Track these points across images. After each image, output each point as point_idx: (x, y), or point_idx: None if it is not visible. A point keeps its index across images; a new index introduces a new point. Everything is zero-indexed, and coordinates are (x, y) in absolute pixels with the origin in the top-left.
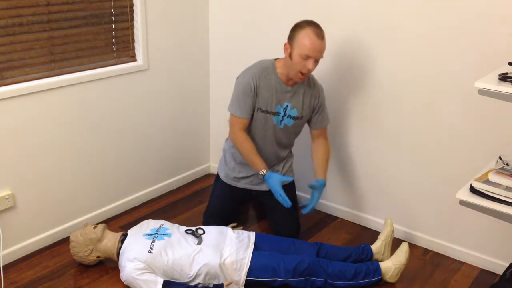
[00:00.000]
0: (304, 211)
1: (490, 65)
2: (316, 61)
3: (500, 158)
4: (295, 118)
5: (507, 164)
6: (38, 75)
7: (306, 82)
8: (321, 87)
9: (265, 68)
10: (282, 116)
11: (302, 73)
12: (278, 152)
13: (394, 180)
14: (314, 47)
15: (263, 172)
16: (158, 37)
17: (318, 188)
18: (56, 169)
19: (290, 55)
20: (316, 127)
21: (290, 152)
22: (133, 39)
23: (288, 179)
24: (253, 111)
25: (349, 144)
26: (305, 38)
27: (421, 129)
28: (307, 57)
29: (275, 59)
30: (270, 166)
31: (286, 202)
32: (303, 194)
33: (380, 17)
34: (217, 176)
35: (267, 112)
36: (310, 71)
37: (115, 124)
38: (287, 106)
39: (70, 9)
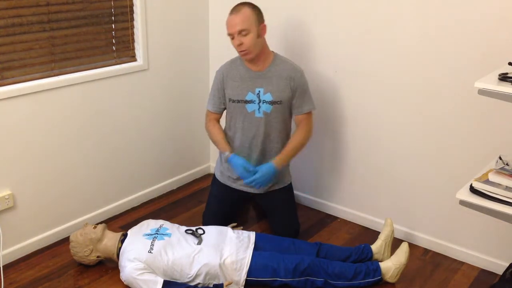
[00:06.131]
0: (244, 181)
1: (490, 65)
2: (242, 34)
3: (500, 158)
4: (272, 103)
5: (507, 164)
6: (38, 75)
7: (279, 63)
8: (299, 69)
9: (233, 61)
10: (258, 103)
11: (240, 51)
12: (268, 146)
13: (394, 180)
14: (229, 24)
15: (226, 154)
16: (158, 37)
17: (261, 167)
18: (56, 169)
19: None
20: (294, 112)
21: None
22: (133, 39)
23: (250, 167)
24: (224, 104)
25: (349, 144)
26: (226, 22)
27: (421, 129)
28: (231, 36)
29: None
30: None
31: (253, 185)
32: (302, 194)
33: (380, 17)
34: (214, 176)
35: (239, 101)
36: (242, 46)
37: (115, 124)
38: (259, 91)
39: (70, 9)
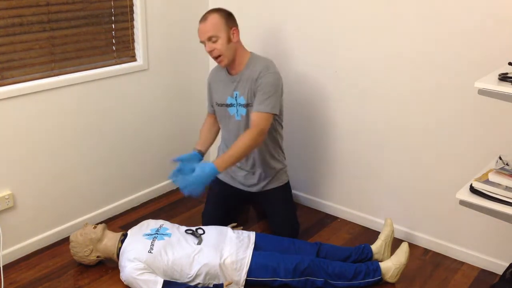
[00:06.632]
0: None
1: (490, 65)
2: (212, 41)
3: (500, 158)
4: (245, 106)
5: (507, 164)
6: (38, 75)
7: (251, 65)
8: (270, 70)
9: (218, 65)
10: (236, 107)
11: (213, 57)
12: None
13: (394, 180)
14: (199, 32)
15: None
16: (158, 37)
17: (200, 166)
18: (56, 169)
19: None
20: (252, 109)
21: (274, 158)
22: (133, 39)
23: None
24: (213, 106)
25: (348, 144)
26: (197, 30)
27: (421, 128)
28: (203, 43)
29: None
30: (251, 167)
31: (186, 186)
32: (302, 194)
33: (380, 17)
34: None
35: (221, 105)
36: (214, 52)
37: (115, 124)
38: (236, 94)
39: (70, 9)
